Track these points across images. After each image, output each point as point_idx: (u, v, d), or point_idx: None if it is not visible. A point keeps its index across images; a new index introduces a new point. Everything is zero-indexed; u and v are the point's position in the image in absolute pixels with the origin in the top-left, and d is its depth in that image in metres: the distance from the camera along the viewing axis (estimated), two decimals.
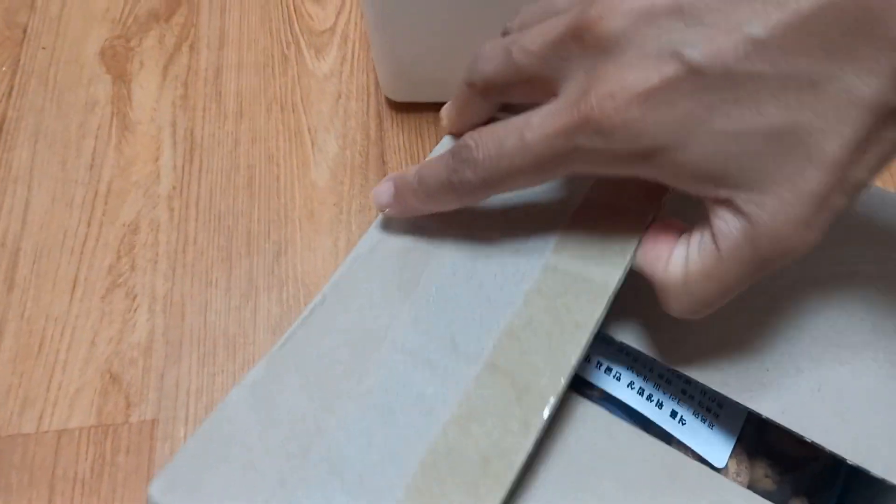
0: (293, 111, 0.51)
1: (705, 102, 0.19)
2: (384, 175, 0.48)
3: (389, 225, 0.27)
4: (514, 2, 0.35)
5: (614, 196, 0.25)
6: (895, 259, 0.25)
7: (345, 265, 0.26)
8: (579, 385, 0.27)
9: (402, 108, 0.51)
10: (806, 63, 0.18)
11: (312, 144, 0.50)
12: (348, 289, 0.25)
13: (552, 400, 0.21)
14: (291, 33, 0.55)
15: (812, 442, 0.21)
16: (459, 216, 0.26)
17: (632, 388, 0.26)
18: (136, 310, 0.44)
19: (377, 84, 0.52)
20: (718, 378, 0.23)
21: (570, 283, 0.23)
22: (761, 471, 0.26)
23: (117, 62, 0.55)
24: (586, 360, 0.27)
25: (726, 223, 0.20)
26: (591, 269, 0.23)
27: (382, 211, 0.26)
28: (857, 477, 0.26)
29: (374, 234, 0.27)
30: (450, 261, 0.25)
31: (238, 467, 0.22)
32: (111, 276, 0.46)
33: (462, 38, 0.44)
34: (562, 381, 0.21)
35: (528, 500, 0.21)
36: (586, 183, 0.26)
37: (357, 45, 0.54)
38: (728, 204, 0.20)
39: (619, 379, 0.26)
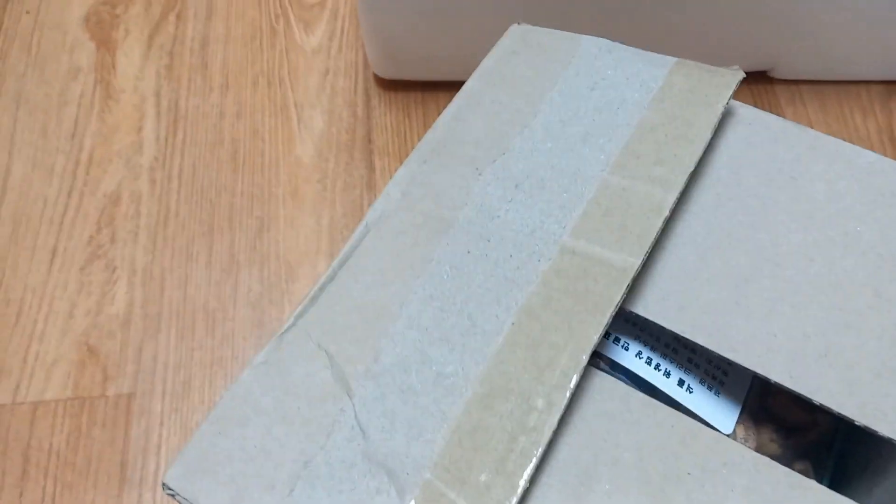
0: (280, 86, 0.51)
1: None
2: (370, 154, 0.48)
3: (397, 198, 0.27)
4: None
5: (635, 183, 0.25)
6: None
7: (352, 240, 0.26)
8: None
9: (391, 86, 0.50)
10: None
11: (298, 120, 0.49)
12: (358, 264, 0.25)
13: (575, 378, 0.21)
14: (280, 6, 0.55)
15: (821, 405, 0.22)
16: (471, 194, 0.26)
17: (639, 358, 0.26)
18: (115, 282, 0.44)
19: (366, 61, 0.52)
20: (726, 344, 0.23)
21: (588, 267, 0.23)
22: (766, 436, 0.26)
23: (102, 29, 0.54)
24: None
25: None
26: (610, 255, 0.23)
27: None
28: (853, 442, 0.27)
29: (382, 205, 0.26)
30: (464, 239, 0.25)
31: (257, 450, 0.22)
32: (91, 248, 0.45)
33: (451, 16, 0.44)
34: (583, 359, 0.22)
35: (550, 471, 0.21)
36: (601, 165, 0.26)
37: (347, 20, 0.54)
38: None
39: (627, 349, 0.26)
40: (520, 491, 0.20)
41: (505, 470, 0.20)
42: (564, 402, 0.21)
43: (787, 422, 0.26)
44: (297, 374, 0.23)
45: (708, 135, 0.26)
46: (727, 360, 0.23)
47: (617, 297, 0.23)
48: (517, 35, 0.30)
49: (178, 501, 0.22)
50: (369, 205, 0.46)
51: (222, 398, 0.23)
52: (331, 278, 0.25)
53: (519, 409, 0.21)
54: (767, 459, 0.22)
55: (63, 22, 0.54)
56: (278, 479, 0.21)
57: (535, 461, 0.20)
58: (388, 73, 0.49)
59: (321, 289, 0.25)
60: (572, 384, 0.21)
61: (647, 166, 0.25)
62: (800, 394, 0.22)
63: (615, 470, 0.21)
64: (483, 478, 0.20)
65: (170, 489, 0.21)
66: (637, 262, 0.23)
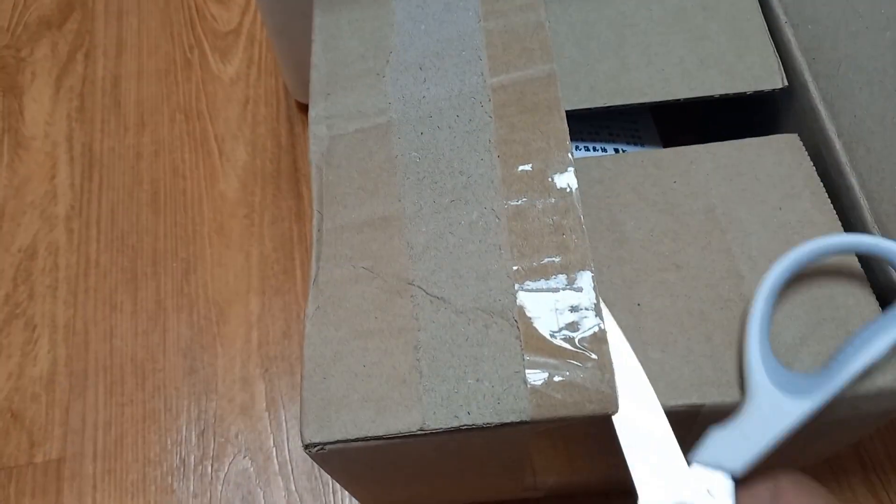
0: (199, 119, 0.49)
1: None
2: (297, 183, 0.46)
3: (326, 133, 0.28)
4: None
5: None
6: None
7: (315, 183, 0.27)
8: None
9: None
10: None
11: (220, 154, 0.48)
12: (335, 197, 0.26)
13: (571, 160, 0.25)
14: (194, 36, 0.53)
15: (686, 99, 0.28)
16: (388, 94, 0.28)
17: (578, 150, 0.32)
18: (36, 341, 0.42)
19: (287, 87, 0.50)
20: (634, 94, 0.29)
21: (522, 87, 0.27)
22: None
23: (7, 74, 0.52)
24: None
25: None
26: (531, 71, 0.27)
27: None
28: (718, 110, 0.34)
29: (317, 146, 0.28)
30: (409, 129, 0.27)
31: (367, 368, 0.23)
32: (8, 307, 0.43)
33: None
34: (567, 144, 0.26)
35: (592, 234, 0.25)
36: (474, 19, 0.30)
37: (264, 45, 0.52)
38: None
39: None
40: (588, 259, 0.23)
41: (567, 249, 0.24)
42: (575, 184, 0.25)
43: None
44: (351, 297, 0.24)
45: None
46: (635, 118, 0.31)
47: (558, 94, 0.27)
48: None
49: (328, 452, 0.22)
50: (299, 237, 0.44)
51: (305, 354, 0.23)
52: (320, 219, 0.26)
53: (544, 206, 0.25)
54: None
55: None
56: (403, 373, 0.22)
57: (583, 231, 0.24)
58: (307, 98, 0.48)
59: (319, 230, 0.26)
60: (572, 168, 0.25)
61: (507, 2, 0.29)
62: (696, 97, 0.28)
63: (625, 203, 0.26)
64: (557, 260, 0.23)
65: (315, 444, 0.22)
66: (553, 66, 0.28)
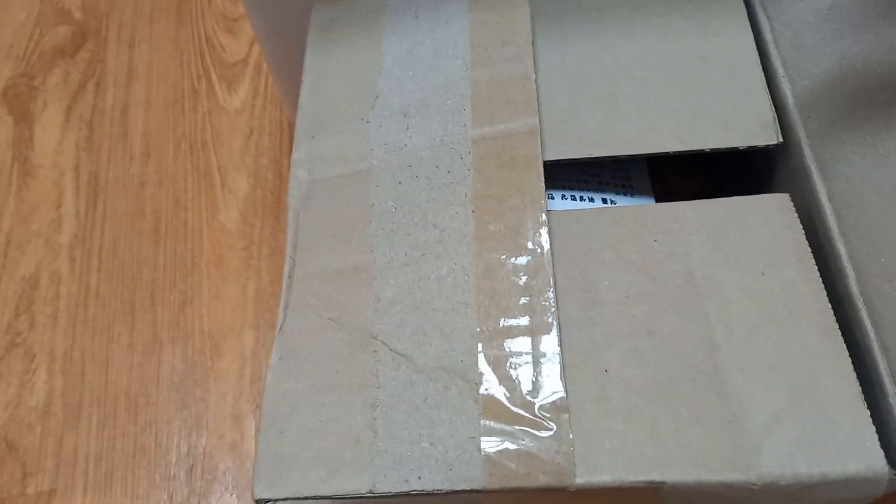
0: (203, 150, 0.49)
1: None
2: None
3: (306, 177, 0.28)
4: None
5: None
6: None
7: (291, 228, 0.27)
8: None
9: None
10: None
11: (222, 185, 0.48)
12: (309, 242, 0.27)
13: (545, 220, 0.25)
14: (203, 66, 0.53)
15: (676, 152, 0.27)
16: (370, 140, 0.28)
17: (565, 199, 0.31)
18: (34, 371, 0.42)
19: (290, 119, 0.51)
20: (622, 146, 0.28)
21: (503, 141, 0.27)
22: None
23: (20, 102, 0.53)
24: None
25: None
26: (513, 125, 0.27)
27: None
28: (742, 166, 0.32)
29: (297, 189, 0.28)
30: (388, 176, 0.27)
31: (323, 424, 0.23)
32: (9, 336, 0.43)
33: None
34: (543, 204, 0.25)
35: (560, 292, 0.24)
36: (462, 68, 0.29)
37: (270, 76, 0.52)
38: None
39: (552, 198, 0.31)
40: (553, 322, 0.23)
41: (534, 311, 0.23)
42: (548, 242, 0.25)
43: (683, 193, 0.30)
44: (315, 349, 0.24)
45: (527, 7, 0.30)
46: (627, 166, 0.29)
47: (538, 150, 0.27)
48: (323, 8, 0.32)
49: None
50: None
51: (263, 406, 0.23)
52: (292, 265, 0.26)
53: (516, 265, 0.24)
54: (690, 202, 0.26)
55: None
56: (358, 432, 0.22)
57: (552, 292, 0.24)
58: None
59: (290, 276, 0.26)
60: (545, 228, 0.25)
61: (497, 51, 0.29)
62: (687, 150, 0.27)
63: (602, 262, 0.25)
64: (522, 323, 0.23)
65: (265, 500, 0.22)
66: (536, 120, 0.27)
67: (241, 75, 0.53)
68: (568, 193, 0.32)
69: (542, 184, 0.26)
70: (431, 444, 0.21)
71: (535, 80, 0.29)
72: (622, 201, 0.32)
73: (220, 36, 0.55)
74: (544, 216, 0.25)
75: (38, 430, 0.40)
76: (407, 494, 0.21)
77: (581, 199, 0.32)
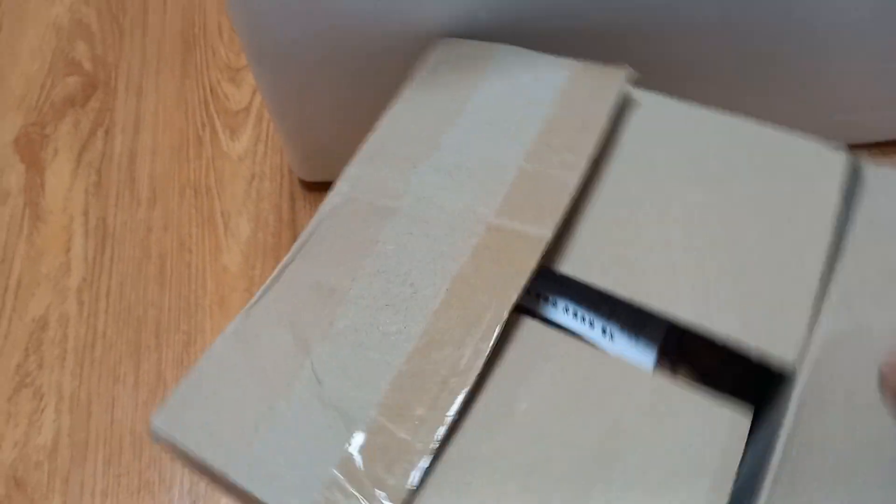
0: (206, 195, 0.52)
1: None
2: None
3: (346, 192, 0.30)
4: (394, 70, 0.35)
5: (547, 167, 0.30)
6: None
7: (309, 228, 0.29)
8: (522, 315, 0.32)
9: (315, 186, 0.51)
10: None
11: (225, 228, 0.50)
12: (313, 249, 0.29)
13: (497, 329, 0.26)
14: (207, 114, 0.56)
15: (719, 338, 0.26)
16: (410, 184, 0.30)
17: (566, 312, 0.30)
18: (42, 410, 0.44)
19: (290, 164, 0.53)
20: (640, 293, 0.27)
21: (511, 239, 0.28)
22: (682, 378, 0.29)
23: (32, 150, 0.55)
24: (528, 293, 0.31)
25: None
26: (528, 228, 0.28)
27: None
28: (769, 380, 0.29)
29: (333, 199, 0.30)
30: (405, 222, 0.29)
31: (229, 399, 0.25)
32: (19, 376, 0.45)
33: (358, 113, 0.45)
34: (504, 314, 0.26)
35: (477, 405, 0.25)
36: (519, 155, 0.30)
37: (271, 123, 0.55)
38: None
39: (555, 305, 0.30)
40: (448, 421, 0.24)
41: (437, 405, 0.24)
42: (489, 347, 0.25)
43: (701, 366, 0.30)
44: (262, 340, 0.27)
45: (604, 124, 0.30)
46: (645, 310, 0.27)
47: (533, 263, 0.27)
48: (444, 47, 0.35)
49: (162, 443, 0.25)
50: None
51: (200, 361, 0.26)
52: (290, 261, 0.29)
53: (451, 356, 0.25)
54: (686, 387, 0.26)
55: None
56: (246, 421, 0.25)
57: (461, 397, 0.24)
58: (310, 176, 0.50)
59: (282, 269, 0.28)
60: (495, 334, 0.25)
61: (557, 154, 0.30)
62: (704, 331, 0.26)
63: (532, 393, 0.25)
64: (419, 412, 0.24)
65: (154, 432, 0.25)
66: (549, 234, 0.27)
67: (243, 123, 0.55)
68: (572, 307, 0.30)
69: (516, 295, 0.26)
70: (291, 467, 0.24)
71: (573, 196, 0.28)
72: (618, 342, 0.30)
73: (224, 85, 0.57)
74: (499, 328, 0.26)
75: (46, 467, 0.42)
76: (250, 495, 0.23)
77: (582, 318, 0.30)
